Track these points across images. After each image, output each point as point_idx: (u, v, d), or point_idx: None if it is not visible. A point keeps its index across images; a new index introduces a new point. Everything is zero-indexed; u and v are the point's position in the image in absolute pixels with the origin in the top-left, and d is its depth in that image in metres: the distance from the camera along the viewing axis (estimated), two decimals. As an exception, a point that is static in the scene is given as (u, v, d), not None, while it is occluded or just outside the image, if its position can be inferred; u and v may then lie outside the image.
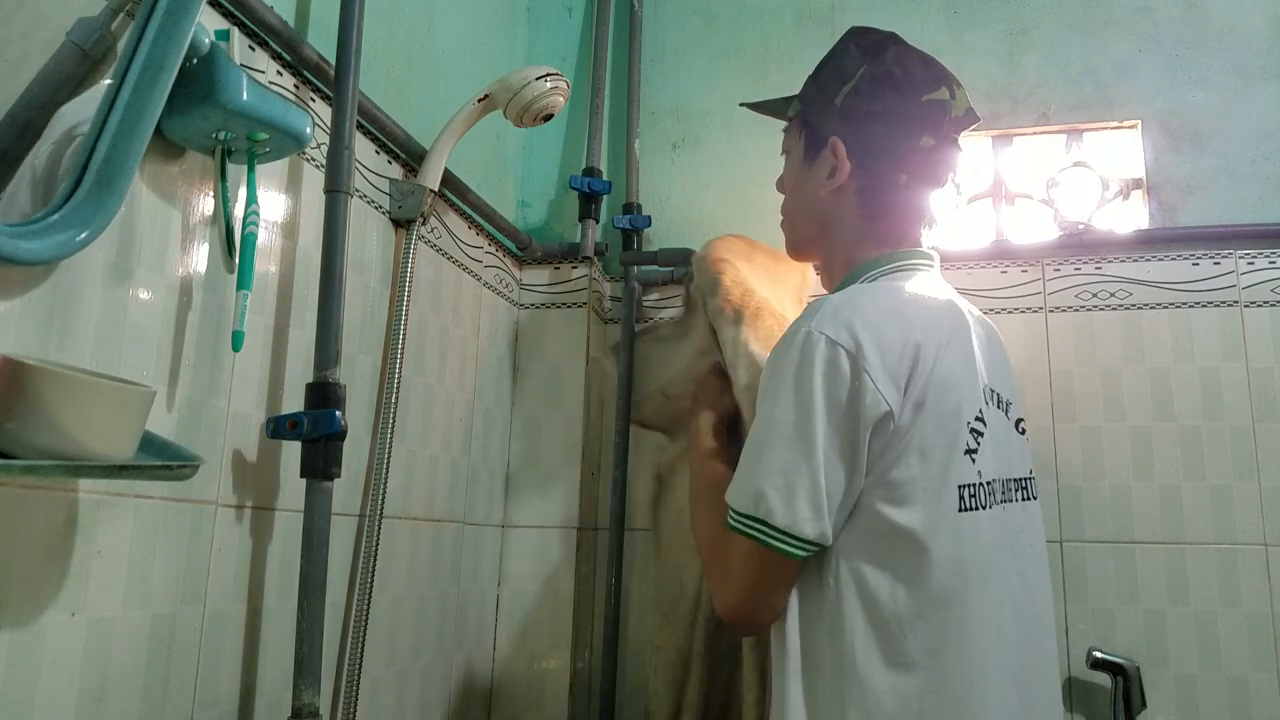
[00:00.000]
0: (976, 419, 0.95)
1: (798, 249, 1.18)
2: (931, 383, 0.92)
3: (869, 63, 1.07)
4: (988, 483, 0.96)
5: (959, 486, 0.92)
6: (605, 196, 1.68)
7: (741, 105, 1.27)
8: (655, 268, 1.63)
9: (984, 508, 0.94)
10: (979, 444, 0.95)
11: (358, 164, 1.16)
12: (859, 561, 0.91)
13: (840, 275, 1.10)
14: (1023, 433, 1.08)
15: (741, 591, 0.95)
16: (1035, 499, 1.06)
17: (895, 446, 0.91)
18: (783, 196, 1.19)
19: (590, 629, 1.58)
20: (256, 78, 0.98)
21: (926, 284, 1.03)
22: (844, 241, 1.09)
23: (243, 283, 0.91)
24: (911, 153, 1.07)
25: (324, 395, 1.00)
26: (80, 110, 0.77)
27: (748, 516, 0.92)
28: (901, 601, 0.90)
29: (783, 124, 1.20)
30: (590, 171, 1.68)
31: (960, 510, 0.92)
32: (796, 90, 1.20)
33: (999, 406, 1.03)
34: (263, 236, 0.99)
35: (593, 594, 1.60)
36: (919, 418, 0.91)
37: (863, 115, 1.07)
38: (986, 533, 0.94)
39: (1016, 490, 1.03)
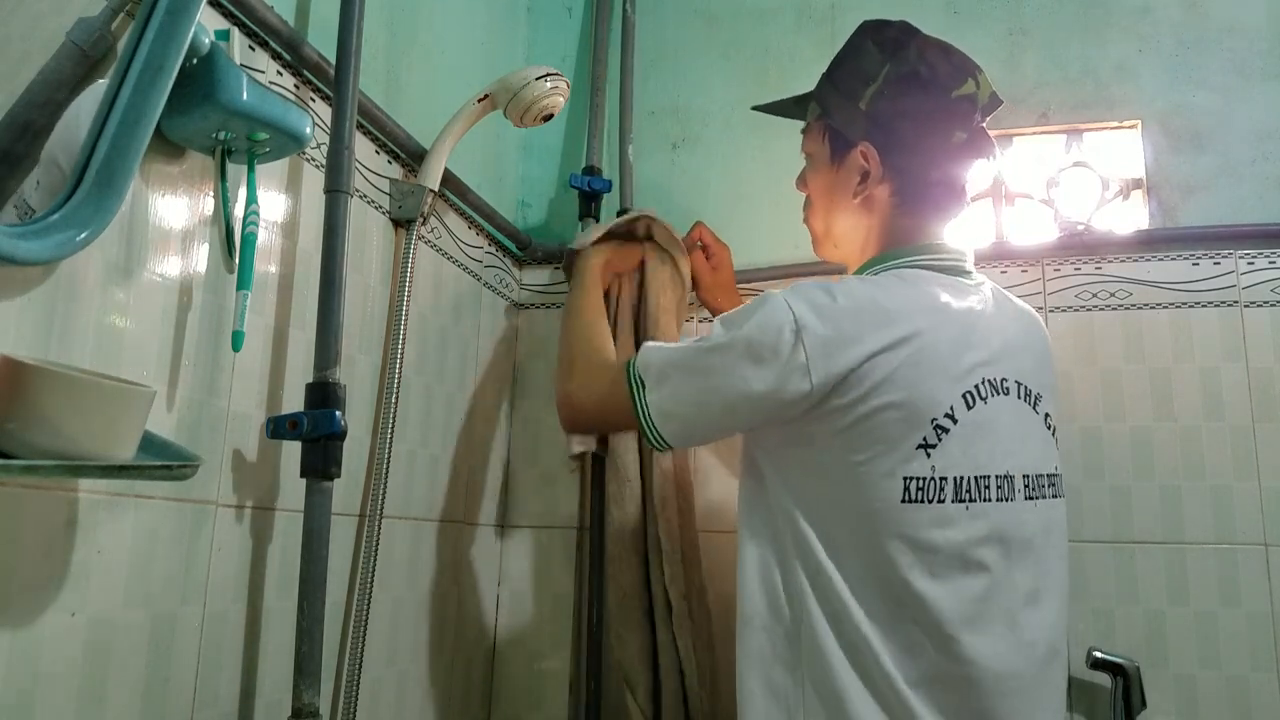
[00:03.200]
0: (946, 415, 0.95)
1: (826, 249, 1.19)
2: (888, 376, 0.94)
3: (891, 61, 1.06)
4: (957, 478, 0.95)
5: (905, 478, 0.94)
6: (606, 195, 1.68)
7: (753, 109, 1.26)
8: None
9: (938, 501, 0.94)
10: (941, 439, 0.95)
11: (358, 164, 1.16)
12: (812, 539, 0.97)
13: (855, 267, 1.12)
14: (1050, 429, 1.07)
15: (594, 407, 1.12)
16: (1061, 497, 1.06)
17: (837, 429, 0.95)
18: (803, 195, 1.20)
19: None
20: (256, 78, 0.98)
21: (925, 278, 1.03)
22: (872, 240, 1.10)
23: (243, 283, 0.91)
24: (944, 150, 1.06)
25: (324, 395, 1.00)
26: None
27: (638, 375, 1.03)
28: (844, 576, 0.95)
29: (791, 122, 1.19)
30: (590, 170, 1.68)
31: (904, 501, 0.94)
32: (799, 90, 1.19)
33: (1024, 399, 1.03)
34: (263, 236, 0.99)
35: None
36: (866, 407, 0.94)
37: (891, 116, 1.06)
38: (952, 527, 0.94)
39: (1047, 486, 1.03)
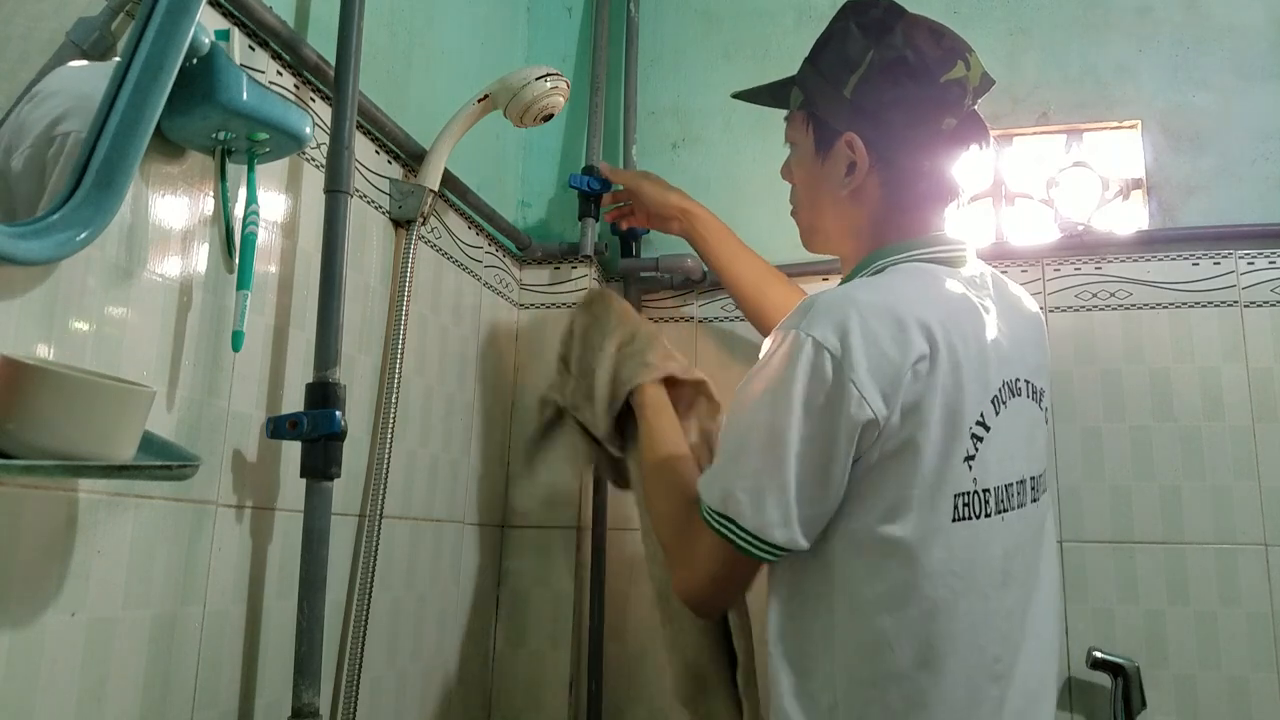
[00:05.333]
0: (978, 423, 0.91)
1: (815, 243, 1.13)
2: (930, 388, 0.88)
3: (876, 46, 1.00)
4: (995, 488, 0.92)
5: (954, 495, 0.89)
6: (605, 195, 1.68)
7: (733, 96, 1.19)
8: (656, 274, 1.64)
9: (984, 515, 0.91)
10: (978, 449, 0.91)
11: (358, 164, 1.16)
12: (851, 574, 0.90)
13: (853, 264, 1.06)
14: (1048, 423, 1.04)
15: (705, 579, 0.98)
16: (1045, 491, 1.02)
17: (884, 454, 0.89)
18: (789, 185, 1.14)
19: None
20: (256, 78, 0.98)
21: (936, 276, 0.98)
22: (865, 234, 1.04)
23: (243, 283, 0.91)
24: (935, 137, 1.01)
25: (324, 395, 1.00)
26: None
27: (718, 513, 0.92)
28: (893, 614, 0.88)
29: (776, 111, 1.13)
30: (590, 170, 1.68)
31: (955, 520, 0.89)
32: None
33: (1031, 397, 0.99)
34: (263, 236, 0.99)
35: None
36: (912, 425, 0.88)
37: (877, 105, 1.00)
38: (993, 541, 0.91)
39: (1034, 489, 0.99)
